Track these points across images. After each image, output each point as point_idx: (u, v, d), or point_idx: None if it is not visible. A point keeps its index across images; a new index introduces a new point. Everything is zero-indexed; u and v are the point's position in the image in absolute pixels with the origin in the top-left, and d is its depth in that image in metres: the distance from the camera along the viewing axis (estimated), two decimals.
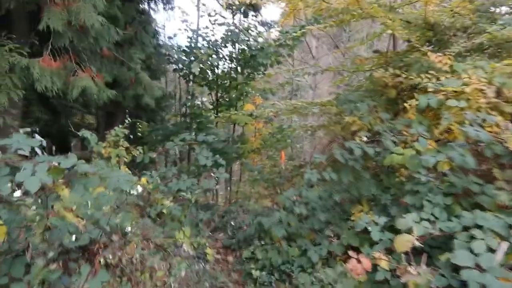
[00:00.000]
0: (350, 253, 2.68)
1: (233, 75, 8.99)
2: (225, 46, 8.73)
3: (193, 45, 8.60)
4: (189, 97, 9.40)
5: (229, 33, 8.46)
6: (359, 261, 2.56)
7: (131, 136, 5.65)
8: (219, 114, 8.98)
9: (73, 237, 1.91)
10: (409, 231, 2.54)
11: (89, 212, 1.67)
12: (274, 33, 10.01)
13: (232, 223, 5.78)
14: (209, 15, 8.87)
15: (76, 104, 9.60)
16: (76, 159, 1.60)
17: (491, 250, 2.27)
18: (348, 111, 4.55)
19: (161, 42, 10.39)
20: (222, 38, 8.56)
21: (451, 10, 4.54)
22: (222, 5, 10.06)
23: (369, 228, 3.03)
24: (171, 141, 4.41)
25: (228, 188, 9.68)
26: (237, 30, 8.53)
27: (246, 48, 8.57)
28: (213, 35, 8.76)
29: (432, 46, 5.02)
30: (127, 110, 7.89)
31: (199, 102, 10.03)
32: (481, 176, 3.07)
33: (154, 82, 7.39)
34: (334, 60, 17.15)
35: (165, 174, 3.92)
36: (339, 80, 7.47)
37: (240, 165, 9.85)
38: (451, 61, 4.00)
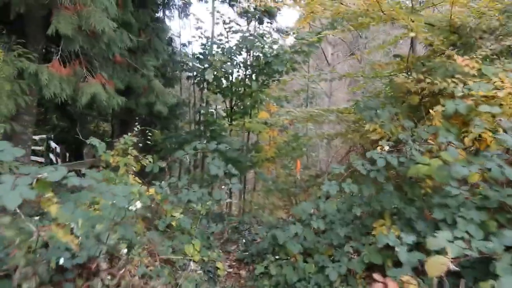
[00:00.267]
0: (375, 276, 2.41)
1: (248, 82, 8.86)
2: (240, 54, 8.63)
3: (207, 52, 8.53)
4: (203, 104, 9.32)
5: (244, 40, 8.36)
6: (385, 286, 2.30)
7: (143, 144, 5.54)
8: (233, 122, 8.86)
9: (68, 255, 1.74)
10: (441, 250, 2.27)
11: (79, 233, 1.50)
12: (290, 40, 9.89)
13: (246, 234, 5.58)
14: (224, 22, 8.81)
15: (92, 111, 9.67)
16: (66, 171, 1.43)
17: None
18: (368, 119, 4.32)
19: (176, 50, 10.41)
20: (236, 45, 8.46)
21: (478, 11, 4.29)
22: (237, 12, 10.01)
23: (397, 249, 2.75)
24: (183, 149, 4.26)
25: (242, 197, 9.50)
26: (251, 37, 8.42)
27: (260, 55, 8.45)
28: (227, 42, 8.68)
29: (457, 49, 4.77)
30: (142, 117, 7.84)
31: (212, 110, 9.94)
32: None
33: (167, 89, 7.32)
34: (349, 68, 16.90)
35: (175, 184, 3.76)
36: (357, 87, 7.25)
37: (254, 173, 9.68)
38: (479, 64, 3.75)
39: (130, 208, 1.84)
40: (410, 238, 2.79)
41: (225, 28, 8.77)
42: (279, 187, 6.72)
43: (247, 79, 8.92)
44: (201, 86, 8.98)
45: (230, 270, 4.68)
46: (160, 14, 8.79)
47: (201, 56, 8.51)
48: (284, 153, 8.36)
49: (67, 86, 4.22)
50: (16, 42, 4.03)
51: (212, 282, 3.68)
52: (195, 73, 8.62)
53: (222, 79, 8.76)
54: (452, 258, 2.17)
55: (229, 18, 8.91)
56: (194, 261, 3.55)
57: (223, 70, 8.31)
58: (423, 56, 5.18)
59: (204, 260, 3.70)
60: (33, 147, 10.40)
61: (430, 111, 3.74)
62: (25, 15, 4.00)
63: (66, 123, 10.45)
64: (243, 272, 4.65)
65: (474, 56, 3.82)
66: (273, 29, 10.02)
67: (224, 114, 9.68)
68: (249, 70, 8.83)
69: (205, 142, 4.11)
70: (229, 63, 8.54)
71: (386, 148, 3.57)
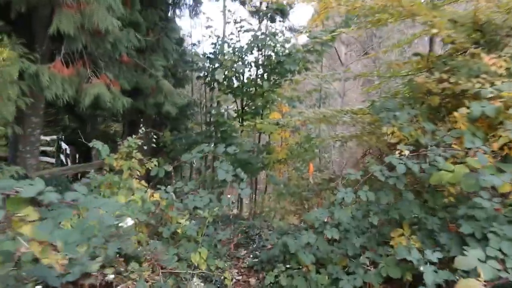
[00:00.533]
0: None
1: (259, 82, 8.69)
2: (251, 53, 8.46)
3: (217, 51, 8.38)
4: (214, 104, 9.20)
5: (255, 39, 8.19)
6: None
7: (152, 145, 5.40)
8: (244, 123, 8.70)
9: (56, 273, 1.58)
10: (471, 271, 2.03)
11: (59, 256, 1.33)
12: (302, 39, 9.70)
13: (256, 239, 5.40)
14: (235, 21, 8.66)
15: (102, 111, 9.63)
16: (43, 184, 1.27)
17: None
18: (385, 120, 4.07)
19: (187, 50, 10.30)
20: (247, 44, 8.30)
21: (507, 7, 4.00)
22: (248, 11, 9.86)
23: (422, 269, 2.49)
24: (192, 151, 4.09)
25: (253, 198, 9.34)
26: (263, 36, 8.25)
27: (272, 54, 8.27)
28: (238, 41, 8.52)
29: (481, 48, 4.49)
30: (152, 118, 7.73)
31: (223, 110, 9.81)
32: None
33: (177, 90, 7.19)
34: (363, 67, 16.56)
35: (182, 189, 3.59)
36: (372, 87, 6.99)
37: (266, 175, 9.51)
38: (508, 63, 3.49)
39: (120, 224, 1.69)
40: (435, 255, 2.53)
41: (236, 27, 8.63)
42: (291, 191, 6.51)
43: (258, 79, 8.75)
44: (212, 86, 8.84)
45: (239, 277, 4.51)
46: (170, 13, 8.66)
47: (211, 56, 8.38)
48: (296, 155, 8.16)
49: (70, 87, 4.09)
50: (18, 42, 3.92)
51: None
52: (205, 73, 8.49)
53: (233, 78, 8.61)
54: (485, 282, 1.93)
55: (240, 16, 8.78)
56: (200, 269, 3.38)
57: (234, 69, 8.17)
58: (445, 55, 4.90)
59: (211, 270, 3.52)
60: (44, 148, 10.44)
61: (454, 113, 3.48)
62: (27, 14, 3.89)
63: (76, 124, 10.44)
64: (252, 280, 4.46)
65: (502, 55, 3.55)
66: (286, 28, 9.85)
67: (235, 115, 9.54)
68: (261, 70, 8.66)
69: (213, 144, 3.94)
70: (240, 63, 8.39)
71: (406, 152, 3.32)
